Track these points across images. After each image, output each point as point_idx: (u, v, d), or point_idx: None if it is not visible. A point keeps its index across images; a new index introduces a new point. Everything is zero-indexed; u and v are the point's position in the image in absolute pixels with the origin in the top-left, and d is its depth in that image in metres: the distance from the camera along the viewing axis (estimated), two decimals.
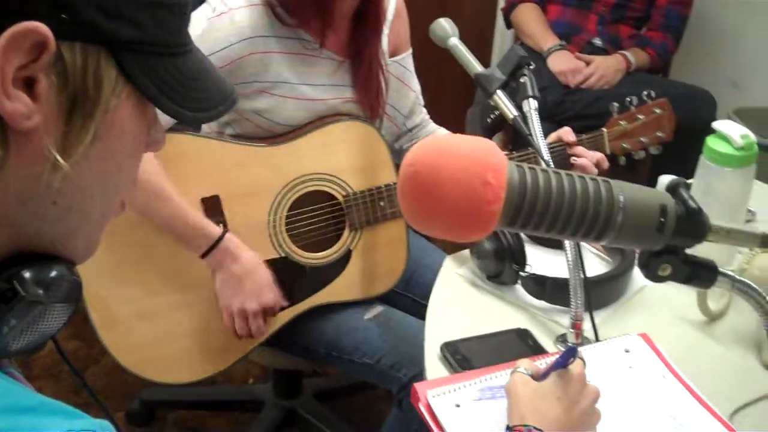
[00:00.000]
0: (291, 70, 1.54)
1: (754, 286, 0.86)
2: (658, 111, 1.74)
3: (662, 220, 0.78)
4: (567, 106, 2.71)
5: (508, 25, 3.04)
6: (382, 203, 1.62)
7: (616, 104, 1.73)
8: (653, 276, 0.82)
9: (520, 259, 1.38)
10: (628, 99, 1.73)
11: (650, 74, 2.94)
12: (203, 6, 1.49)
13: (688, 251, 0.82)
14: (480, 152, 0.73)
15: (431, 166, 0.72)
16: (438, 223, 0.73)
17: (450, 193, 0.71)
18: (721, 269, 0.85)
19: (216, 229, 1.50)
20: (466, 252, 1.46)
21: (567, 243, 1.23)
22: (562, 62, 2.80)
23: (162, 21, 0.61)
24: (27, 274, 0.59)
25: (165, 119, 1.42)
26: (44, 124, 0.56)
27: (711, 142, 1.39)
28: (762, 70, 3.32)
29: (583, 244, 1.48)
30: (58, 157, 0.57)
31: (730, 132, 1.37)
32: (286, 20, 1.50)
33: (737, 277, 0.85)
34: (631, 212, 0.76)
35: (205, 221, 1.50)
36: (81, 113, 0.57)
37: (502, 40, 3.52)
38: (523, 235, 1.42)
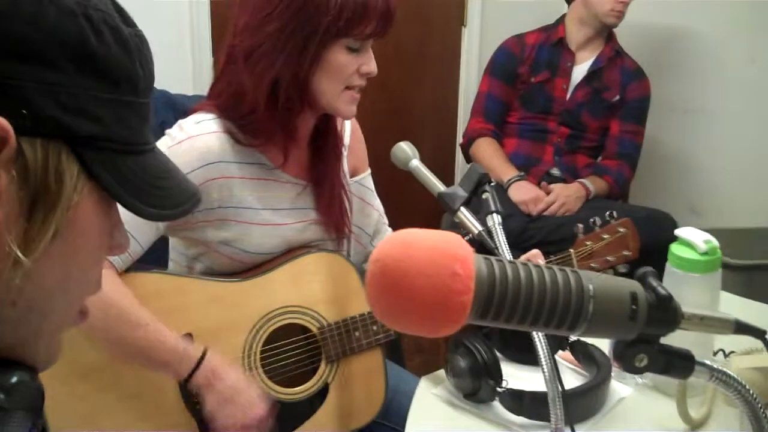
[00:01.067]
0: (253, 195, 1.55)
1: (733, 374, 0.85)
2: (622, 230, 1.76)
3: (634, 307, 0.77)
4: (531, 234, 2.75)
5: (467, 159, 3.13)
6: (357, 333, 1.59)
7: (581, 225, 1.75)
8: (630, 367, 0.81)
9: (496, 375, 1.35)
10: (591, 220, 1.75)
11: (609, 201, 3.00)
12: (163, 137, 1.50)
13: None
14: (446, 244, 0.72)
15: (398, 259, 0.71)
16: (409, 317, 0.72)
17: (418, 285, 0.70)
18: (698, 359, 0.84)
19: (196, 349, 1.46)
20: (442, 372, 1.43)
21: (542, 356, 1.21)
22: (523, 192, 2.86)
23: (122, 118, 0.61)
24: None
25: (144, 239, 1.39)
26: (5, 220, 0.55)
27: (675, 248, 1.40)
28: (717, 193, 3.42)
29: (559, 359, 1.46)
30: (19, 254, 0.56)
31: (693, 238, 1.39)
32: (246, 143, 1.51)
33: (715, 366, 0.84)
34: (602, 301, 0.76)
35: (183, 343, 1.46)
36: (42, 209, 0.57)
37: (462, 169, 3.61)
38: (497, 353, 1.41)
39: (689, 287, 1.38)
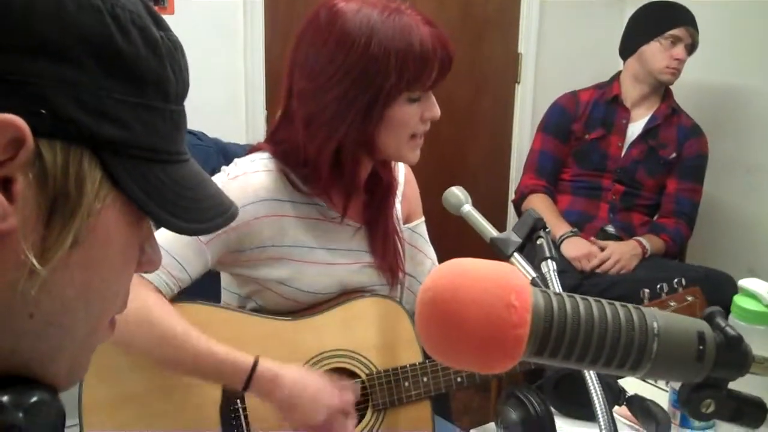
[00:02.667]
0: (308, 234, 1.53)
1: None
2: (690, 299, 1.69)
3: (701, 347, 0.72)
4: (585, 290, 2.68)
5: (519, 215, 3.08)
6: (406, 384, 1.55)
7: (647, 291, 1.68)
8: (696, 413, 0.76)
9: (550, 429, 1.29)
10: (658, 286, 1.68)
11: (666, 259, 2.93)
12: (218, 173, 1.50)
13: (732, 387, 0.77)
14: (501, 274, 0.69)
15: (451, 289, 0.68)
16: (460, 350, 0.68)
17: (472, 316, 0.66)
18: None
19: (248, 357, 1.42)
20: (491, 425, 1.38)
21: (599, 411, 1.16)
22: (576, 248, 2.81)
23: (151, 125, 0.58)
24: (5, 397, 0.54)
25: (192, 269, 1.35)
26: (21, 226, 0.52)
27: (739, 300, 1.34)
28: None
29: (615, 415, 1.40)
30: (35, 262, 0.53)
31: (758, 289, 1.33)
32: (301, 188, 1.50)
33: None
34: (667, 340, 0.71)
35: (234, 352, 1.42)
36: (61, 216, 0.54)
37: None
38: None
39: (754, 339, 1.30)
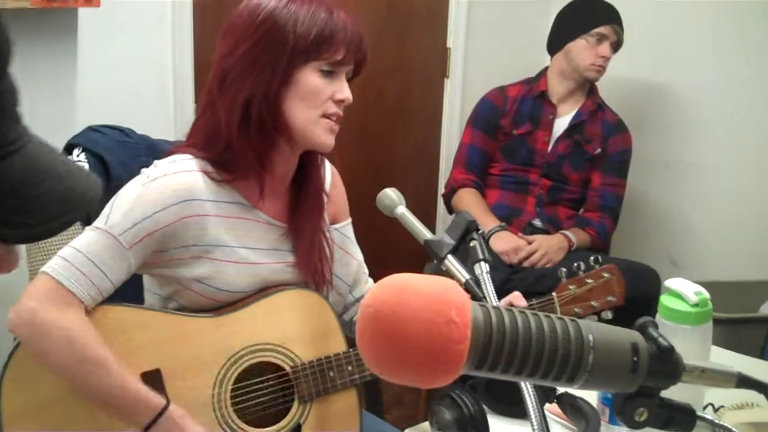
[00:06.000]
0: (229, 233, 1.52)
1: (734, 430, 0.82)
2: (606, 275, 1.73)
3: (635, 359, 0.74)
4: (514, 285, 2.72)
5: (449, 209, 3.11)
6: (331, 373, 1.56)
7: (564, 270, 1.72)
8: (630, 421, 0.78)
9: (483, 428, 1.31)
10: (575, 264, 1.73)
11: (591, 252, 2.98)
12: (138, 176, 1.50)
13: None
14: (442, 290, 0.69)
15: (392, 305, 0.68)
16: (402, 366, 0.69)
17: (413, 333, 0.67)
18: (700, 413, 0.81)
19: (159, 400, 1.41)
20: (425, 425, 1.39)
21: (531, 409, 1.18)
22: (504, 242, 2.85)
23: None
24: None
25: (114, 274, 1.33)
26: None
27: (665, 300, 1.38)
28: (697, 246, 3.42)
29: (548, 414, 1.42)
30: None
31: (683, 289, 1.37)
32: (221, 179, 1.50)
33: (716, 421, 0.81)
34: (603, 352, 0.73)
35: (146, 391, 1.41)
36: None
37: (444, 220, 3.60)
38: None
39: (680, 339, 1.35)
